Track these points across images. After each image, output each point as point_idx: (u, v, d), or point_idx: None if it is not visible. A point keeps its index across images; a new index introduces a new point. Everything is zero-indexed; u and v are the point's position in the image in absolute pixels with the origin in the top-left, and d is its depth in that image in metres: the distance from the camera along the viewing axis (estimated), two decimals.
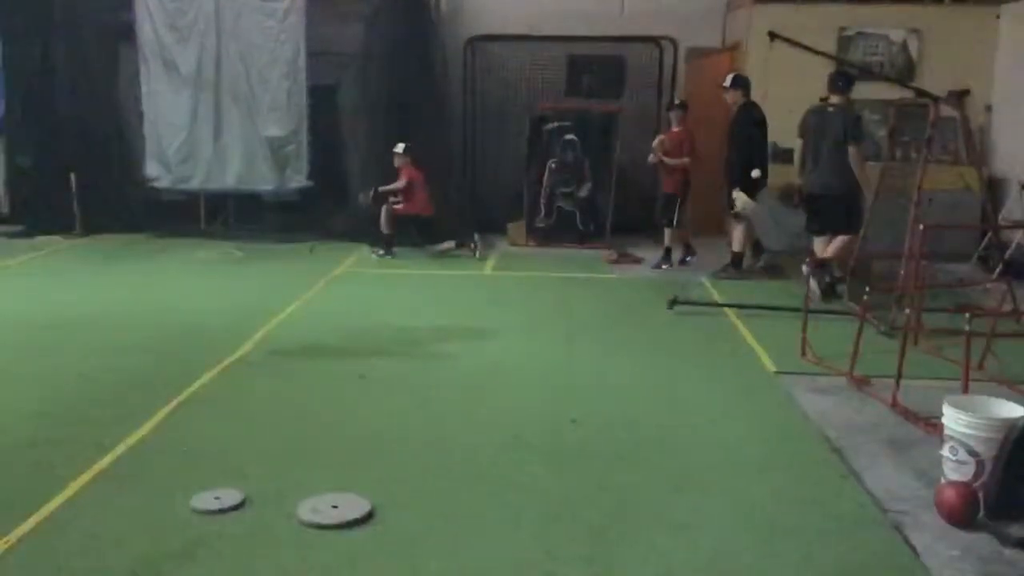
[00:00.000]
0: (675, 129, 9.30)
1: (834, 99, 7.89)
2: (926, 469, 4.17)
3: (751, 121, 8.70)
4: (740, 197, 8.78)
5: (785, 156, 9.39)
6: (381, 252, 9.68)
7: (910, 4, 10.08)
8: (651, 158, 9.27)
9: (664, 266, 9.27)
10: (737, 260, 8.91)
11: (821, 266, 7.68)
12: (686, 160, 9.18)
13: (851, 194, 7.74)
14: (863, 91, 8.08)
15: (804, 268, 7.62)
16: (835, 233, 7.86)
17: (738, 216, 8.84)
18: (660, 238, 9.50)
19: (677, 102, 9.60)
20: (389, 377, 5.59)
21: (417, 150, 9.72)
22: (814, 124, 7.91)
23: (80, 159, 10.65)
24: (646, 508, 3.84)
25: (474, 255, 9.60)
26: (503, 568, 3.35)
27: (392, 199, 9.63)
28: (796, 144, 8.12)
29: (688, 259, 9.42)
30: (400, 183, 9.60)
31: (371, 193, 9.67)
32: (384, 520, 3.67)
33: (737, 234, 8.90)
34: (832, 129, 7.76)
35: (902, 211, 6.81)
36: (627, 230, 10.55)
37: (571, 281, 8.73)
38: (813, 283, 7.31)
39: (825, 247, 7.93)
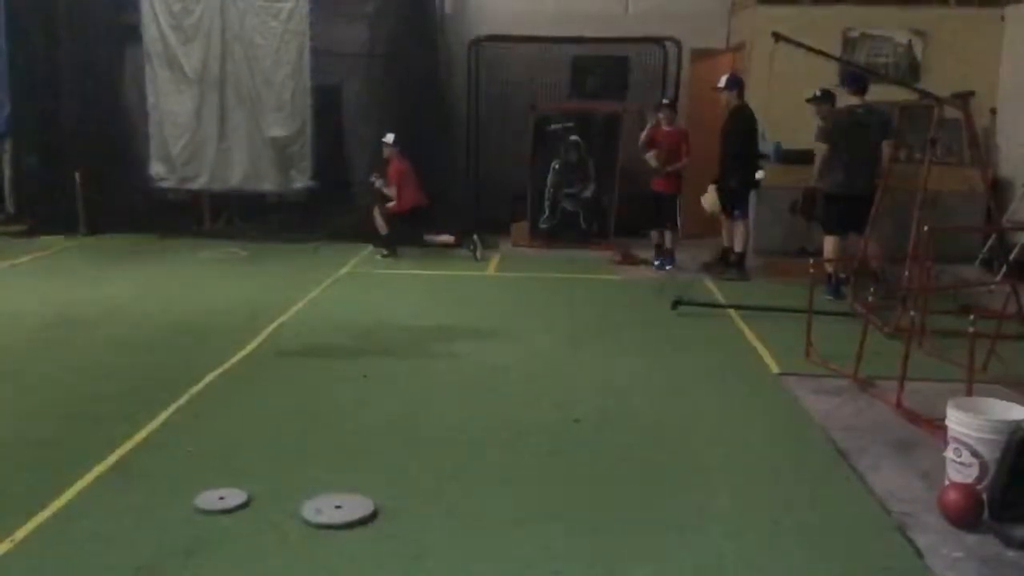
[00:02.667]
0: (666, 129, 9.28)
1: (854, 100, 7.95)
2: (930, 470, 4.17)
3: (744, 123, 8.74)
4: (708, 197, 8.82)
5: (791, 157, 9.41)
6: (385, 253, 9.70)
7: (915, 6, 10.06)
8: (676, 165, 9.23)
9: (668, 267, 9.27)
10: (740, 260, 8.91)
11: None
12: (686, 161, 9.19)
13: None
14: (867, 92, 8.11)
15: (832, 270, 7.77)
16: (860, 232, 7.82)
17: (734, 216, 8.87)
18: (662, 240, 9.49)
19: (665, 101, 9.53)
20: (393, 377, 5.60)
21: (418, 147, 9.73)
22: (847, 126, 7.87)
23: (85, 159, 10.66)
24: (649, 508, 3.85)
25: (474, 256, 9.61)
26: (507, 567, 3.36)
27: (384, 197, 9.67)
28: (820, 148, 8.04)
29: (656, 264, 9.40)
30: (392, 189, 9.63)
31: (377, 181, 9.69)
32: (388, 520, 3.68)
33: (738, 234, 8.90)
34: (869, 129, 7.76)
35: (906, 212, 6.81)
36: (630, 231, 10.54)
37: (575, 282, 8.74)
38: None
39: (837, 247, 7.92)
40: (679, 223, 9.37)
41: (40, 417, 4.82)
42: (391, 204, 9.65)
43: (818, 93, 8.50)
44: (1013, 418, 3.82)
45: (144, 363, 5.80)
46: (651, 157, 9.22)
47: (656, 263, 9.39)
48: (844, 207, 7.88)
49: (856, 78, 8.01)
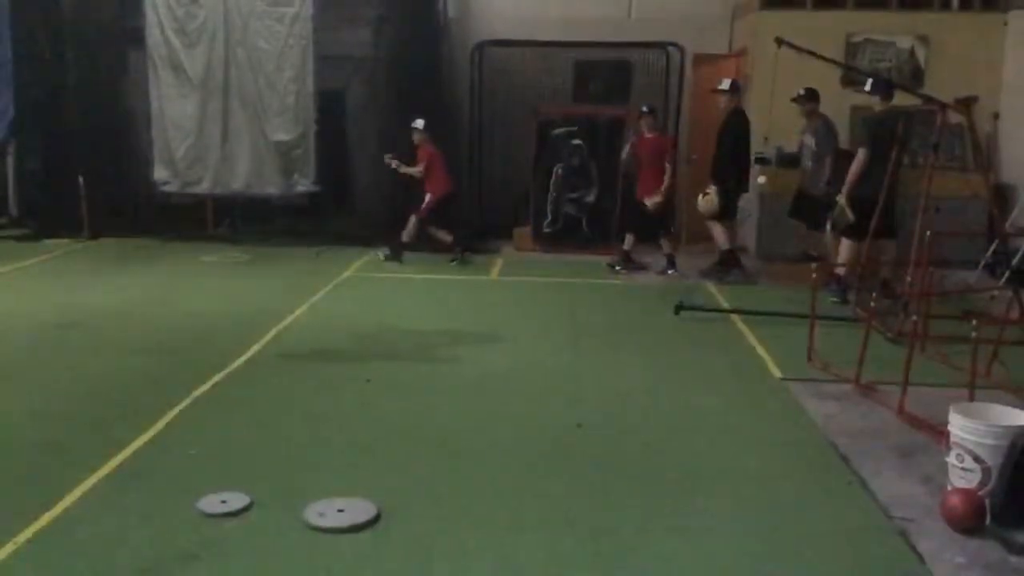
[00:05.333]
0: (648, 136, 9.30)
1: (880, 106, 7.97)
2: (932, 476, 4.17)
3: (739, 126, 8.78)
4: (708, 199, 8.84)
5: (790, 160, 9.41)
6: (387, 256, 9.65)
7: (917, 11, 10.07)
8: (665, 183, 9.23)
9: (670, 272, 9.26)
10: (734, 259, 8.92)
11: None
12: (671, 170, 9.22)
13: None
14: (871, 98, 8.12)
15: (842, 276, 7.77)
16: (884, 238, 7.80)
17: (718, 217, 8.91)
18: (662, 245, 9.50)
19: (645, 109, 9.48)
20: (395, 381, 5.60)
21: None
22: (885, 130, 7.86)
23: (88, 163, 10.70)
24: (651, 513, 3.85)
25: (453, 260, 9.60)
26: (509, 571, 3.36)
27: (422, 200, 9.62)
28: (861, 153, 8.01)
29: (617, 268, 9.40)
30: (418, 168, 9.57)
31: (393, 162, 9.63)
32: (390, 524, 3.68)
33: (717, 234, 8.92)
34: (898, 133, 7.78)
35: (909, 218, 6.81)
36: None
37: (577, 286, 8.74)
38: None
39: (854, 252, 7.92)
40: (674, 228, 9.38)
41: (43, 419, 4.83)
42: (427, 201, 9.57)
43: (802, 92, 8.53)
44: (1015, 423, 3.82)
45: (147, 366, 5.81)
46: (650, 202, 9.21)
47: (614, 265, 9.44)
48: (870, 211, 7.87)
49: (884, 84, 8.03)
